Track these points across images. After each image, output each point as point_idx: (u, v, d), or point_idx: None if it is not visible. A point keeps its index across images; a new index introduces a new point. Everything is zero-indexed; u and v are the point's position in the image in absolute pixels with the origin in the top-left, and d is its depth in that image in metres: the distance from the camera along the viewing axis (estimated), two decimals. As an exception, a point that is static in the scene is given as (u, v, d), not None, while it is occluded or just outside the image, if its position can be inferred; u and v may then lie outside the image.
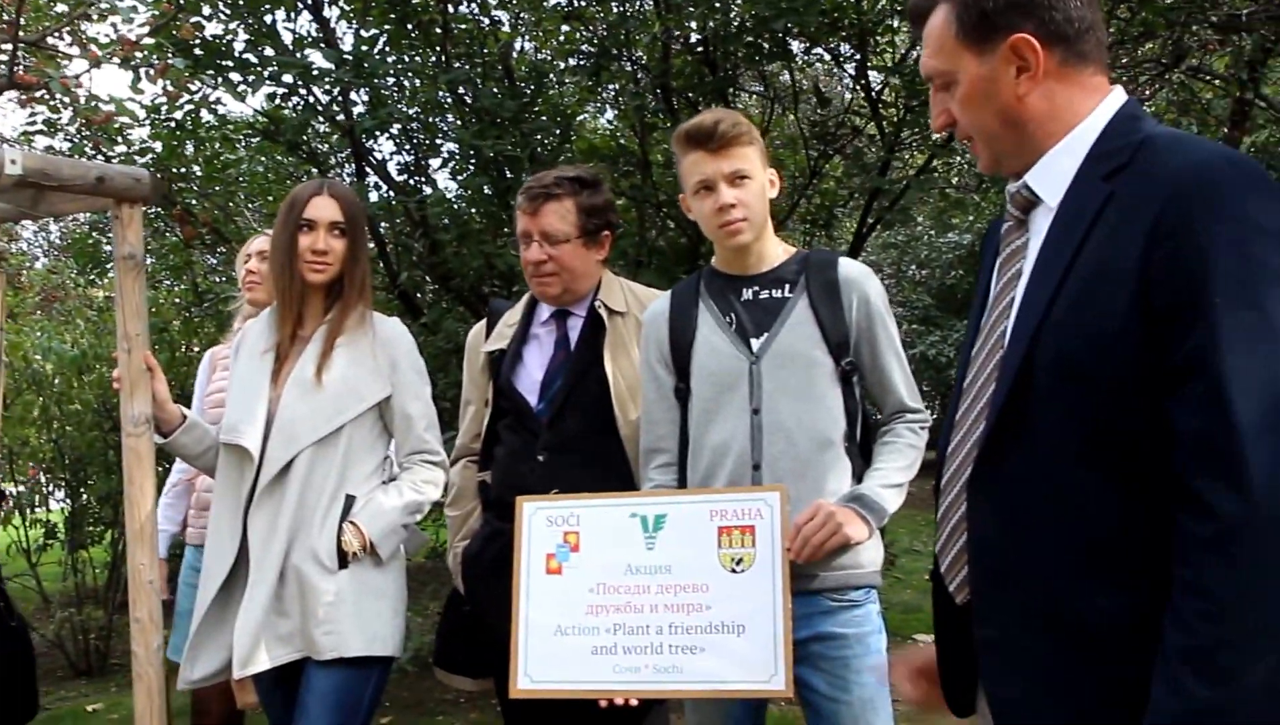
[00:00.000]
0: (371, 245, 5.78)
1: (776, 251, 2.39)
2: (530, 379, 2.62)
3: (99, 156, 5.79)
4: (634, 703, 2.13)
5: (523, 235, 2.63)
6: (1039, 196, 1.43)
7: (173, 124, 5.77)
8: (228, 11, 5.21)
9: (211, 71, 5.09)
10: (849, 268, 2.35)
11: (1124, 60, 5.50)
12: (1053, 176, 1.41)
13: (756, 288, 2.35)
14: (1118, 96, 1.43)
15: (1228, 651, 1.15)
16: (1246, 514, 1.15)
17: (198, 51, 5.04)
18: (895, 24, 5.20)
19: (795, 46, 5.35)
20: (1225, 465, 1.16)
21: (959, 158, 6.00)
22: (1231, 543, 1.15)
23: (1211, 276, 1.20)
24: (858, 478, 2.28)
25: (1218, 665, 1.15)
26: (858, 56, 5.26)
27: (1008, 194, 1.51)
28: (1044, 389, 1.32)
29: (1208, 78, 6.94)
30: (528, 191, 2.61)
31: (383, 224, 5.77)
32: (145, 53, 5.48)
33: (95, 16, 5.75)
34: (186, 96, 5.73)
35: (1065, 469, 1.31)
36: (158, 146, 5.85)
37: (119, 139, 5.93)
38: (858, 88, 5.58)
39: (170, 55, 5.12)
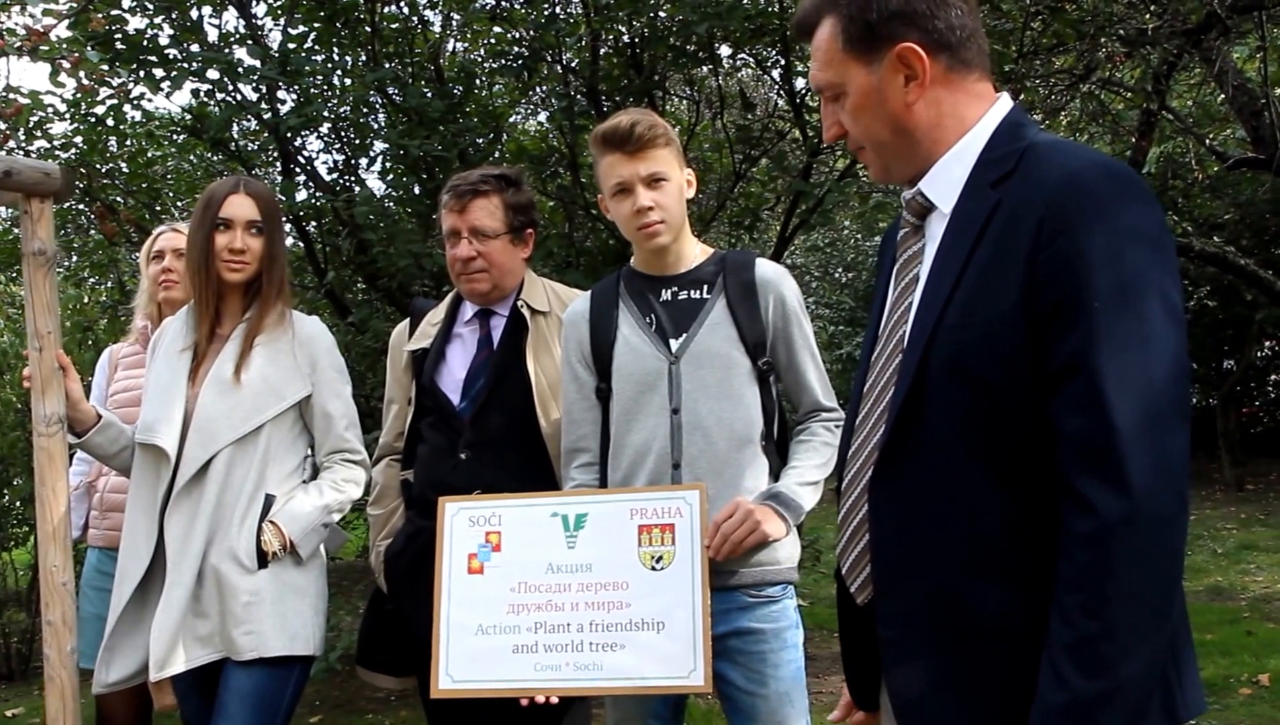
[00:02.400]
0: (299, 244, 5.72)
1: (694, 252, 2.41)
2: (453, 378, 2.62)
3: (18, 151, 5.65)
4: (554, 701, 2.15)
5: (450, 233, 2.62)
6: (933, 203, 1.46)
7: (94, 119, 5.65)
8: (151, 6, 5.10)
9: (134, 66, 4.98)
10: (766, 269, 2.38)
11: (1039, 71, 5.67)
12: (945, 183, 1.44)
13: (675, 288, 2.37)
14: (1004, 103, 1.47)
15: (1108, 643, 1.19)
16: (1125, 510, 1.19)
17: (119, 45, 4.94)
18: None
19: (723, 51, 5.42)
20: (1104, 464, 1.20)
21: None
22: (1111, 538, 1.19)
23: (1090, 280, 1.24)
24: (775, 476, 2.32)
25: (1099, 656, 1.19)
26: (782, 62, 5.34)
27: (904, 200, 1.53)
28: (938, 392, 1.36)
29: (1118, 89, 7.18)
30: (454, 189, 2.61)
31: (311, 223, 5.72)
32: (60, 44, 5.34)
33: (10, 2, 5.60)
34: (108, 91, 5.61)
35: (959, 469, 1.34)
36: (80, 142, 5.72)
37: (39, 133, 5.79)
38: (782, 92, 5.66)
39: (90, 48, 5.01)
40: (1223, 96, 7.67)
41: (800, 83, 5.42)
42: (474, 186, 2.59)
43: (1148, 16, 5.45)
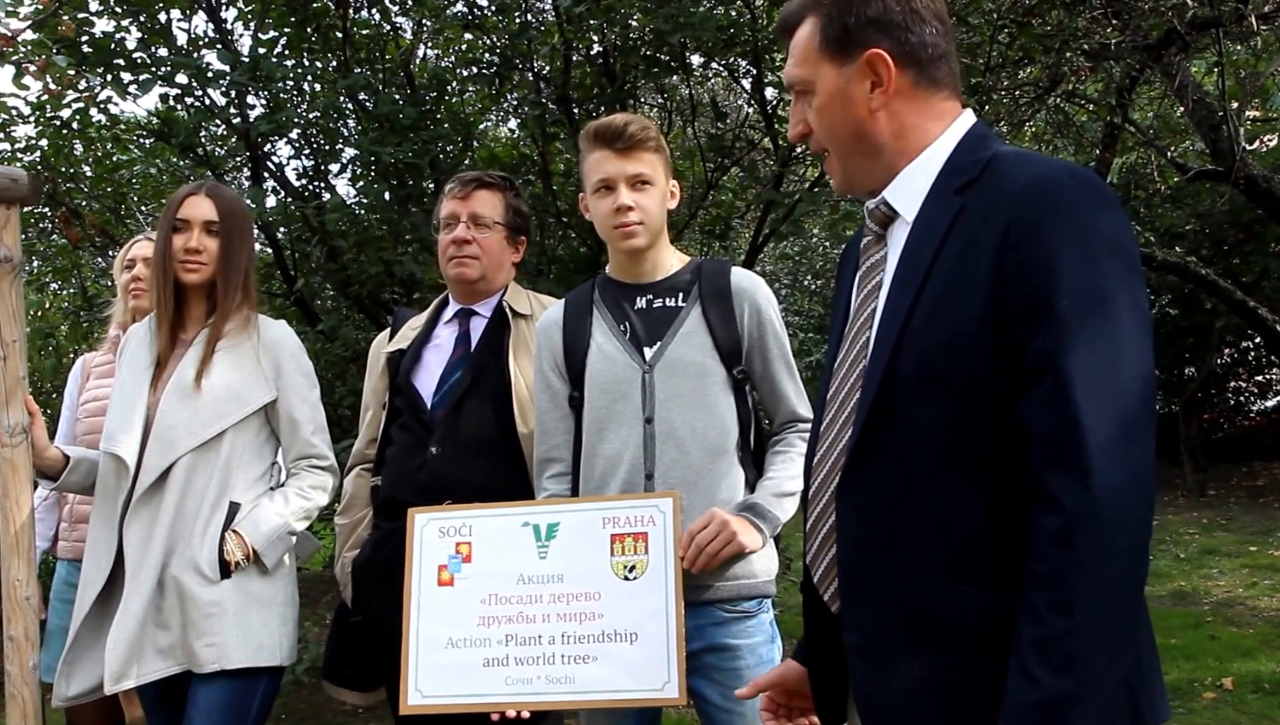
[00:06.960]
0: (268, 250, 5.67)
1: (671, 260, 2.40)
2: (428, 376, 2.60)
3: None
4: (525, 715, 2.12)
5: (448, 217, 2.63)
6: (896, 211, 1.48)
7: (59, 122, 5.57)
8: (119, 8, 5.04)
9: (101, 70, 4.92)
10: (741, 277, 2.37)
11: (1005, 83, 5.75)
12: (908, 192, 1.46)
13: (650, 296, 2.36)
14: (967, 119, 1.49)
15: (1076, 640, 1.19)
16: (1091, 508, 1.20)
17: (86, 49, 4.87)
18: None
19: (695, 60, 5.44)
20: (1071, 461, 1.21)
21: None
22: (1077, 535, 1.20)
23: (1058, 282, 1.25)
24: (750, 486, 2.29)
25: (1067, 654, 1.19)
26: (753, 72, 5.37)
27: (866, 210, 1.55)
28: (906, 395, 1.36)
29: (1082, 102, 7.28)
30: (460, 179, 2.66)
31: (280, 230, 5.67)
32: (27, 48, 5.27)
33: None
34: (74, 95, 5.54)
35: (928, 472, 1.34)
36: (44, 145, 5.65)
37: (1, 136, 5.70)
38: (753, 102, 5.69)
39: (55, 52, 4.94)
40: (1183, 110, 7.79)
41: (771, 92, 5.45)
42: (479, 178, 2.67)
43: (1110, 31, 5.54)
